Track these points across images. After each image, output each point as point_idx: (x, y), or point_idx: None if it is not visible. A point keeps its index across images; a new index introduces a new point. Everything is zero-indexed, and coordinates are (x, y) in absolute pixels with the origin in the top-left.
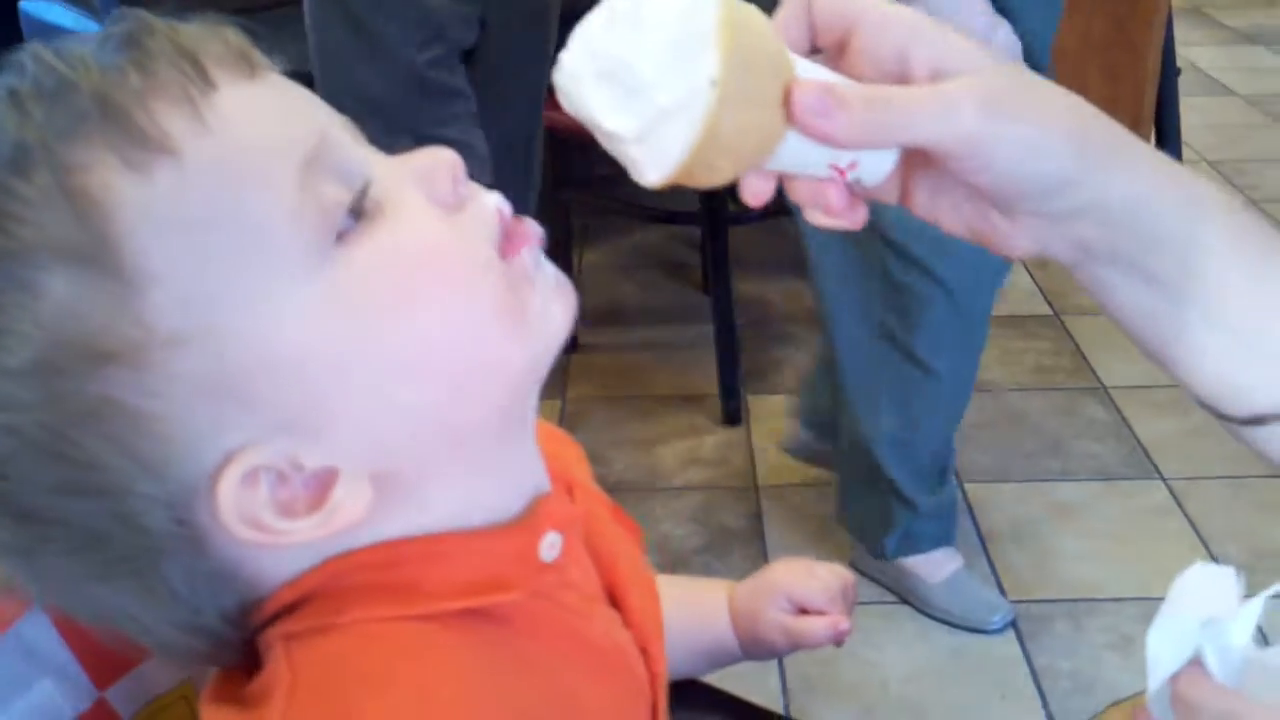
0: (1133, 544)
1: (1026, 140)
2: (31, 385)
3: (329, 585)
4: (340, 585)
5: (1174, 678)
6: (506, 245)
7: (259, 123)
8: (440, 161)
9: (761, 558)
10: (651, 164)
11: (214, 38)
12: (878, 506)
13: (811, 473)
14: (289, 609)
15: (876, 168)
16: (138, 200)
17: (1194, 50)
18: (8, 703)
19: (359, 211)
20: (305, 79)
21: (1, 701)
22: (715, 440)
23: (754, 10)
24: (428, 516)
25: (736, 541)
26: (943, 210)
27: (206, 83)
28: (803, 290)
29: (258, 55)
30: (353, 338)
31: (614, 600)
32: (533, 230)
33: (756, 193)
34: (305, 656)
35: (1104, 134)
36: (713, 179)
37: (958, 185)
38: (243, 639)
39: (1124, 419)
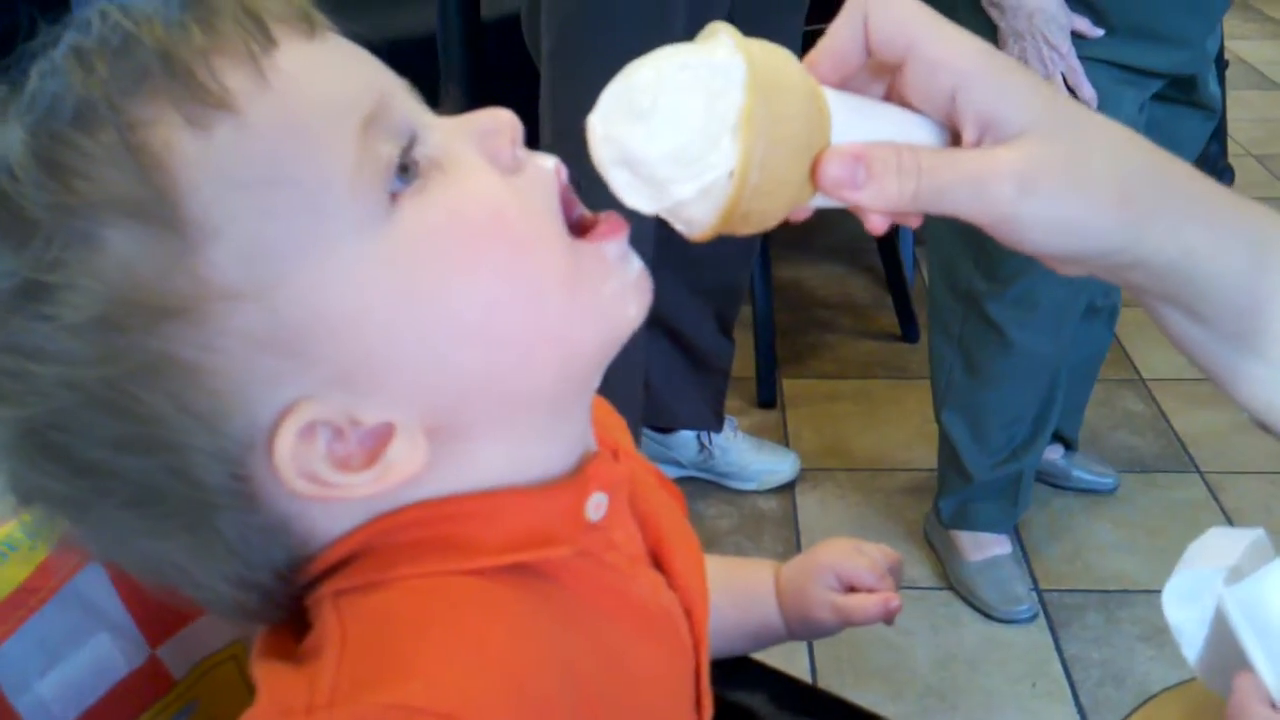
0: (1167, 537)
1: (1067, 222)
2: (92, 340)
3: (378, 542)
4: (389, 542)
5: (1233, 688)
6: (580, 226)
7: (319, 81)
8: (501, 122)
9: (793, 540)
10: (680, 226)
11: None
12: (942, 467)
13: (846, 458)
14: (338, 566)
15: None
16: (199, 157)
17: (1241, 44)
18: (67, 654)
19: (415, 169)
20: (383, 51)
21: (61, 652)
22: (750, 422)
23: (785, 64)
24: (478, 474)
25: (768, 523)
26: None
27: (268, 40)
28: (841, 275)
29: (318, 15)
30: (409, 297)
31: (658, 563)
32: (618, 223)
33: (795, 217)
34: (355, 612)
35: (1155, 190)
36: (745, 233)
37: None
38: (291, 596)
39: (1161, 411)
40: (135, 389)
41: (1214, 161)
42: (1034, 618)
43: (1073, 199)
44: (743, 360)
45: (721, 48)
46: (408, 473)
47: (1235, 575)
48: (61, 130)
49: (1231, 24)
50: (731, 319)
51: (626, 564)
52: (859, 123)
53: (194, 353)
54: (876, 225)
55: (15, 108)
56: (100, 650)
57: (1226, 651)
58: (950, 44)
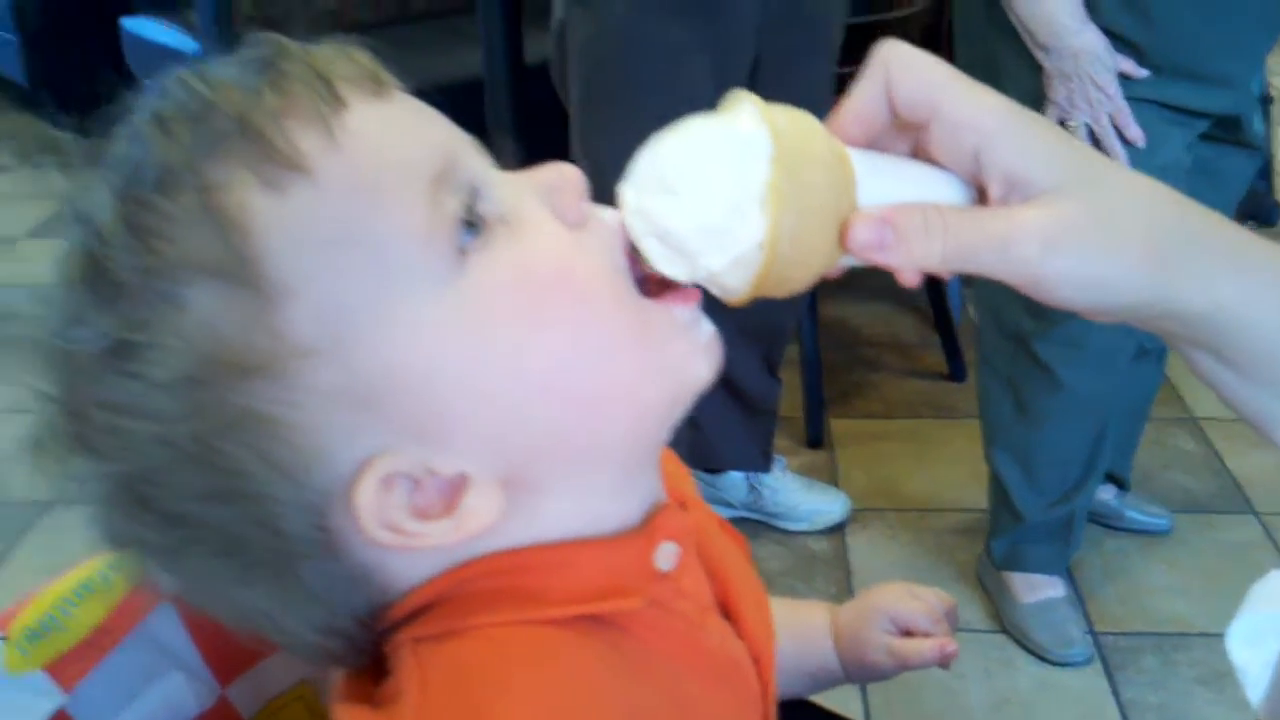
0: (1224, 579)
1: (1094, 279)
2: (179, 397)
3: (456, 591)
4: (466, 591)
5: None
6: (647, 283)
7: (388, 140)
8: (565, 178)
9: (845, 581)
10: (715, 291)
11: (344, 58)
12: (993, 507)
13: (896, 498)
14: (417, 613)
15: None
16: (275, 218)
17: None
18: (141, 693)
19: (482, 225)
20: (431, 96)
21: (136, 691)
22: (799, 462)
23: (809, 130)
24: (550, 526)
25: (819, 564)
26: None
27: (338, 101)
28: (887, 314)
29: (385, 74)
30: (479, 351)
31: (726, 611)
32: (692, 292)
33: (828, 275)
34: (434, 659)
35: (1184, 244)
36: (780, 295)
37: None
38: (371, 641)
39: (1215, 451)
40: (221, 443)
41: (1261, 198)
42: (1089, 660)
43: (1099, 257)
44: (791, 400)
45: (746, 118)
46: (484, 522)
47: None
48: (145, 195)
49: (1276, 61)
50: (778, 360)
51: (696, 613)
52: (885, 184)
53: (275, 408)
54: (909, 280)
55: (102, 172)
56: (172, 689)
57: None
58: (974, 103)
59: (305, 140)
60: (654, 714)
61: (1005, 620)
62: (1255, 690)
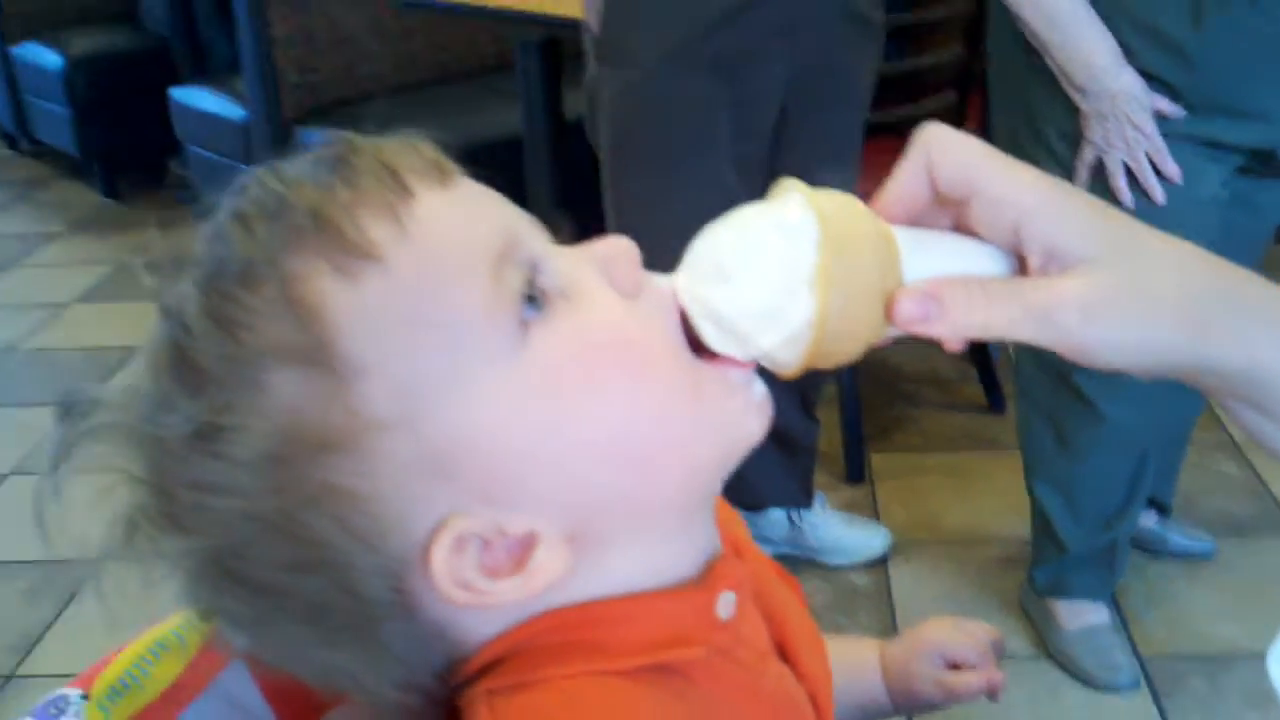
0: (1269, 600)
1: (1133, 344)
2: (262, 474)
3: (527, 644)
4: (537, 644)
5: None
6: (710, 354)
7: (453, 226)
8: (620, 250)
9: (889, 616)
10: (768, 365)
11: (410, 151)
12: (1035, 536)
13: (938, 531)
14: (489, 667)
15: None
16: (350, 304)
17: None
18: None
19: (543, 298)
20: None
21: None
22: (840, 498)
23: (854, 213)
24: (614, 579)
25: (863, 598)
26: None
27: (405, 192)
28: (924, 349)
29: (449, 164)
30: (544, 419)
31: (784, 654)
32: (748, 361)
33: (877, 345)
34: (508, 710)
35: (1219, 306)
36: (829, 366)
37: None
38: (447, 696)
39: (1257, 474)
40: (303, 516)
41: None
42: (1136, 685)
43: (1137, 323)
44: (830, 436)
45: (794, 206)
46: (552, 577)
47: None
48: (228, 288)
49: None
50: (815, 399)
51: (756, 659)
52: (929, 258)
53: (354, 480)
54: (953, 347)
55: (188, 269)
56: None
57: None
58: (1011, 181)
59: (376, 230)
60: None
61: (1050, 647)
62: None
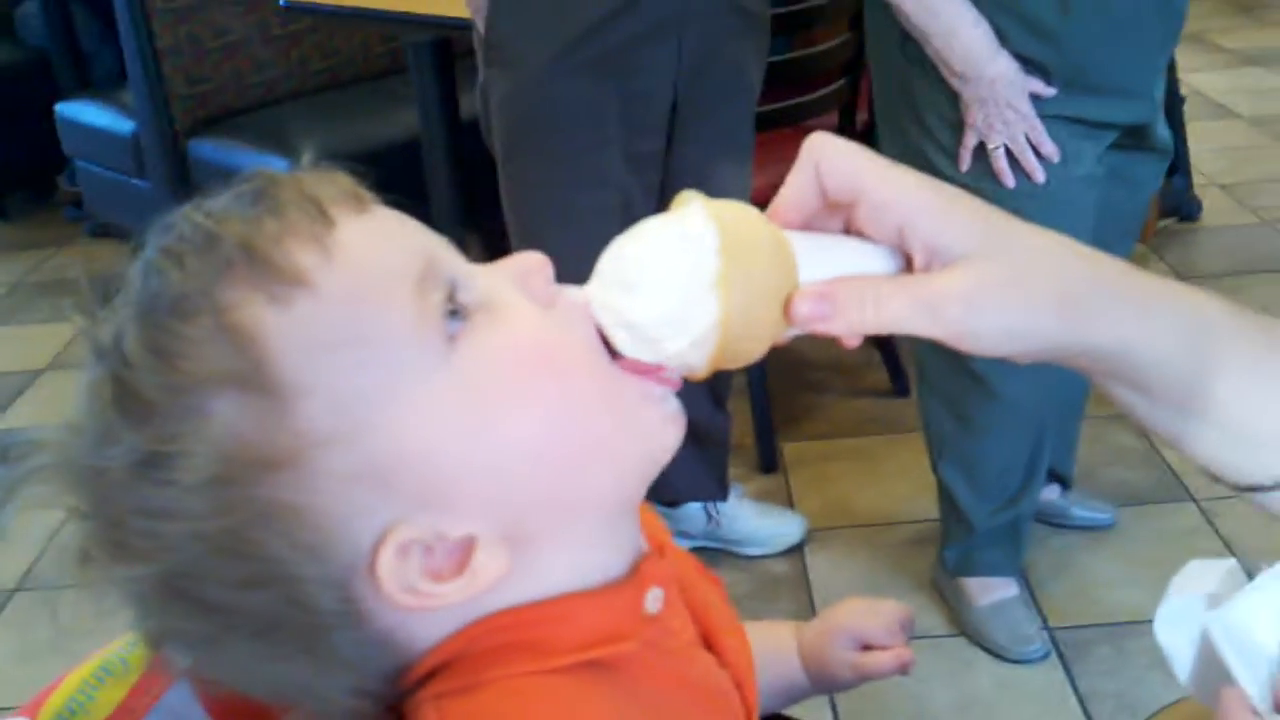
0: (1169, 566)
1: (1011, 329)
2: (210, 496)
3: (469, 648)
4: (479, 648)
5: (1221, 700)
6: (634, 366)
7: (375, 251)
8: (533, 263)
9: (807, 600)
10: (678, 368)
11: (327, 181)
12: (943, 517)
13: (851, 515)
14: (434, 672)
15: None
16: (284, 329)
17: (1197, 76)
18: None
19: (464, 312)
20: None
21: None
22: (754, 488)
23: (751, 221)
24: (551, 580)
25: (782, 585)
26: None
27: (328, 221)
28: (830, 339)
29: (365, 193)
30: (474, 426)
31: (708, 644)
32: (673, 381)
33: (777, 344)
34: (456, 711)
35: (1093, 291)
36: (736, 367)
37: None
38: (397, 699)
39: (1153, 445)
40: (251, 534)
41: (1180, 195)
42: (1046, 656)
43: (1016, 310)
44: (741, 428)
45: (694, 216)
46: (492, 577)
47: (1214, 601)
48: (164, 320)
49: (1186, 57)
50: (726, 393)
51: (684, 649)
52: (822, 261)
53: (298, 496)
54: (850, 343)
55: (119, 305)
56: None
57: (1212, 669)
58: (894, 185)
59: (304, 258)
60: None
61: (963, 624)
62: (1182, 669)
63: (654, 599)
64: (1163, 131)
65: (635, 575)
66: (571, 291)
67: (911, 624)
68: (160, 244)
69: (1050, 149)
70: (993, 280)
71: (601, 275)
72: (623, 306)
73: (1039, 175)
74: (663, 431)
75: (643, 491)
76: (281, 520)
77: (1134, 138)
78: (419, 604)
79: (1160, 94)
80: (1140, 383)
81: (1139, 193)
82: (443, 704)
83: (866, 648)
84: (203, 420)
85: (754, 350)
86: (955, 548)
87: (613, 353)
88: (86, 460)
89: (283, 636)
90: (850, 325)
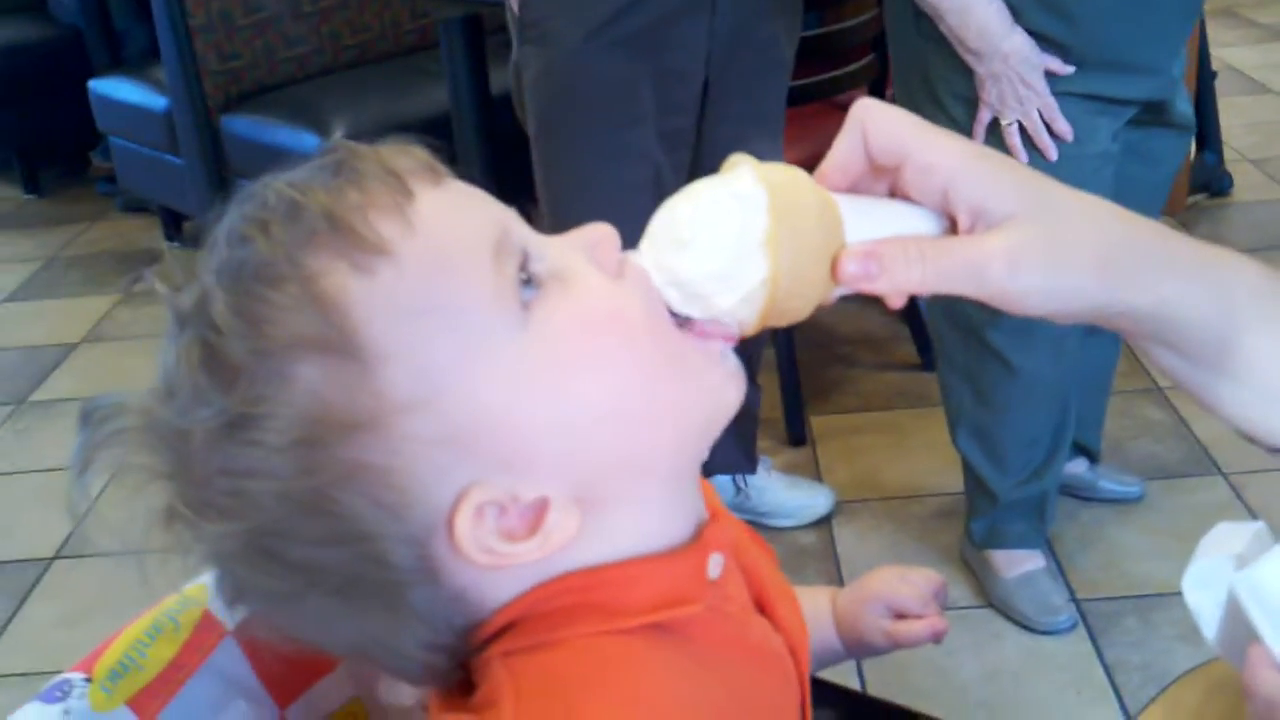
0: (1196, 539)
1: (1053, 290)
2: (295, 457)
3: (538, 608)
4: (548, 608)
5: (1247, 659)
6: (696, 329)
7: (453, 221)
8: (603, 235)
9: (834, 572)
10: (728, 325)
11: (405, 154)
12: (968, 490)
13: (878, 488)
14: (503, 631)
15: None
16: (367, 296)
17: (1229, 51)
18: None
19: (537, 281)
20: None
21: (206, 719)
22: (782, 461)
23: (799, 183)
24: (619, 543)
25: (809, 557)
26: None
27: (408, 192)
28: (856, 310)
29: (440, 166)
30: (549, 390)
31: (762, 609)
32: (730, 335)
33: (824, 305)
34: (525, 668)
35: (1131, 253)
36: (784, 324)
37: None
38: (468, 655)
39: (1181, 418)
40: (335, 493)
41: (1211, 170)
42: (1073, 627)
43: (1057, 271)
44: (770, 401)
45: (744, 178)
46: (564, 539)
47: (1241, 562)
48: (252, 287)
49: (1218, 31)
50: (755, 367)
51: (741, 613)
52: (868, 222)
53: (381, 457)
54: (894, 303)
55: (205, 271)
56: (238, 716)
57: (1239, 629)
58: (939, 148)
59: (386, 228)
60: (719, 704)
61: (991, 596)
62: (1209, 629)
63: (715, 564)
64: (1183, 107)
65: (699, 540)
66: (636, 260)
67: (945, 593)
68: (244, 212)
69: (1064, 127)
70: (1035, 241)
71: (654, 235)
72: (674, 264)
73: (1052, 153)
74: (725, 388)
75: (705, 452)
76: (363, 480)
77: (1153, 114)
78: (493, 563)
79: (1180, 70)
80: (1177, 343)
81: (1159, 168)
82: (511, 661)
83: (900, 616)
84: (288, 384)
85: (801, 308)
86: (981, 520)
87: (677, 319)
88: (174, 422)
89: (362, 592)
90: (895, 284)
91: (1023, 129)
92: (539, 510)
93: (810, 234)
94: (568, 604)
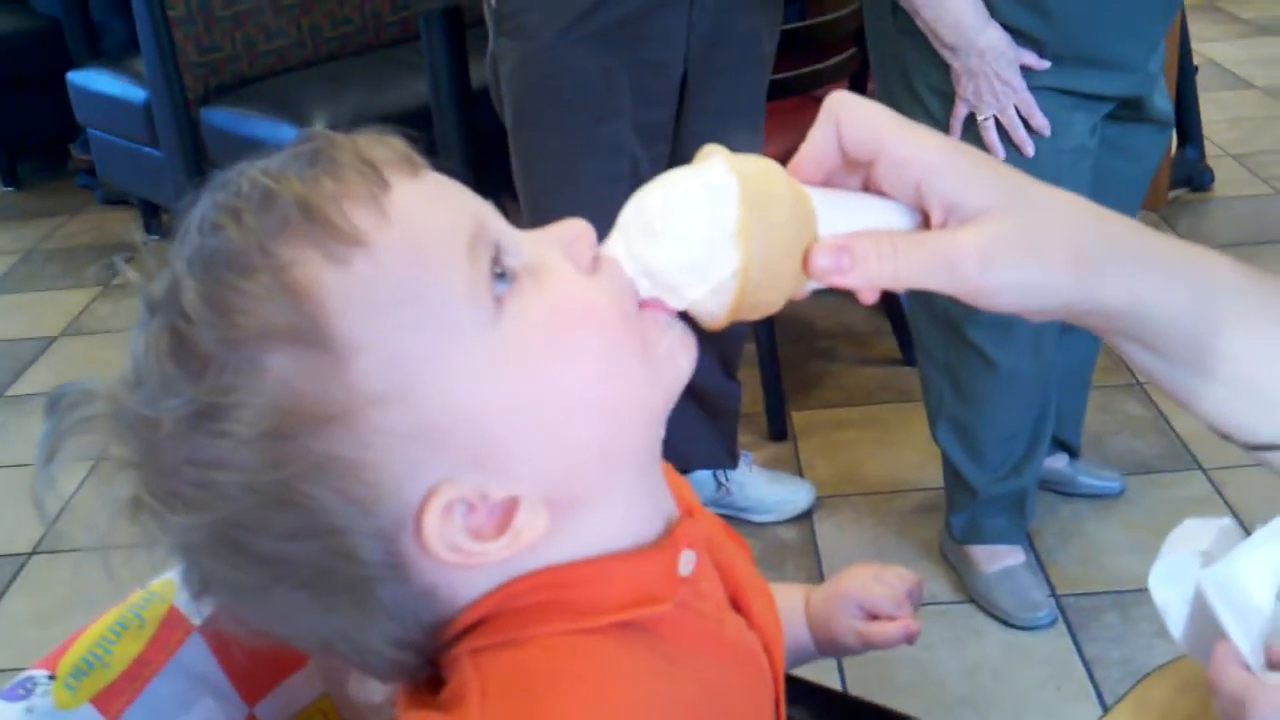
0: None
1: (1026, 285)
2: (264, 448)
3: (506, 606)
4: (516, 605)
5: (1213, 656)
6: (651, 304)
7: (428, 212)
8: (579, 231)
9: (815, 567)
10: (699, 316)
11: (382, 145)
12: (948, 485)
13: (859, 483)
14: (471, 628)
15: None
16: (341, 287)
17: (1211, 46)
18: (178, 718)
19: (510, 275)
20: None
21: (173, 717)
22: (763, 456)
23: (771, 175)
24: (588, 541)
25: (790, 552)
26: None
27: (384, 183)
28: (837, 305)
29: (417, 157)
30: (522, 385)
31: (737, 606)
32: (669, 305)
33: (795, 299)
34: (492, 666)
35: (1103, 248)
36: (755, 318)
37: None
38: (436, 652)
39: (1161, 413)
40: (304, 486)
41: (1193, 165)
42: (1053, 622)
43: (1030, 267)
44: (751, 396)
45: (716, 169)
46: (532, 538)
47: (1208, 559)
48: (224, 275)
49: (1200, 26)
50: (735, 362)
51: (714, 611)
52: (840, 216)
53: (351, 450)
54: (867, 298)
55: (177, 259)
56: (205, 713)
57: (1206, 625)
58: (913, 143)
59: (361, 218)
60: (690, 702)
61: (971, 591)
62: (1176, 626)
63: (687, 561)
64: (1161, 103)
65: (669, 538)
66: (610, 255)
67: (919, 593)
68: (217, 200)
69: (1040, 122)
70: (1009, 237)
71: (625, 224)
72: (645, 254)
73: (1028, 148)
74: (676, 356)
75: (661, 433)
76: (333, 474)
77: (1131, 109)
78: (460, 561)
79: (1157, 66)
80: (1152, 341)
81: (1138, 163)
82: (479, 658)
83: (874, 617)
84: (258, 374)
85: (773, 301)
86: (961, 515)
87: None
88: (141, 411)
89: (329, 587)
90: (867, 278)
91: (999, 124)
92: (508, 510)
93: (782, 226)
94: (536, 602)
